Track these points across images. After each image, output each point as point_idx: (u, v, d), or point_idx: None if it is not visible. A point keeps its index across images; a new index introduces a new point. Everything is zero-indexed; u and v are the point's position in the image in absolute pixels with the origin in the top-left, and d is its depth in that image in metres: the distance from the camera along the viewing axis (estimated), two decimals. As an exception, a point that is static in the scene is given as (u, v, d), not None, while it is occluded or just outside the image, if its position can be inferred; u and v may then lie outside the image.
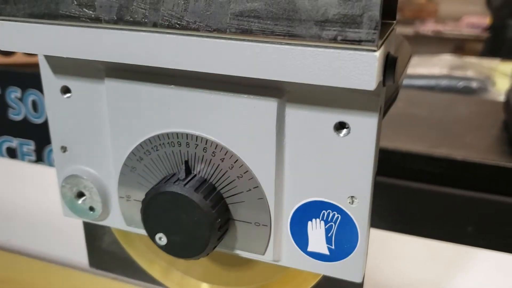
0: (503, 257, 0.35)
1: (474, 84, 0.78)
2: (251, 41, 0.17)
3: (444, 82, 0.80)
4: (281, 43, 0.17)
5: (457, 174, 0.56)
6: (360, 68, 0.16)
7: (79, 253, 0.30)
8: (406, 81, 0.76)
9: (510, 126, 0.62)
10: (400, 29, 0.32)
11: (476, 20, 1.82)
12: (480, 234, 0.54)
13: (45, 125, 0.72)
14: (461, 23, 1.85)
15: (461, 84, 0.79)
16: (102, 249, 0.27)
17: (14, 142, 0.74)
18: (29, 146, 0.74)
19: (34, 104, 0.71)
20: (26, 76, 0.70)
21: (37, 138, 0.73)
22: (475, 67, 0.85)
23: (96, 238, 0.27)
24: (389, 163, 0.54)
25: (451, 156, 0.55)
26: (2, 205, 0.40)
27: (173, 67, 0.19)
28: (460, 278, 0.33)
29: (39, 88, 0.69)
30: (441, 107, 0.71)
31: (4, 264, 0.30)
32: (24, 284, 0.30)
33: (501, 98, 0.78)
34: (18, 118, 0.73)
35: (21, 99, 0.72)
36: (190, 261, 0.26)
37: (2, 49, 0.21)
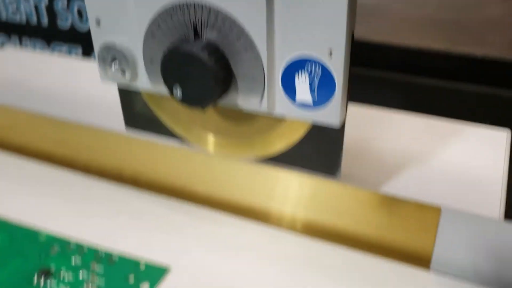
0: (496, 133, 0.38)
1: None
2: None
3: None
4: None
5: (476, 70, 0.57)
6: None
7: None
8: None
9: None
10: None
11: None
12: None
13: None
14: None
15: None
16: (135, 112, 0.33)
17: (64, 47, 0.81)
18: (78, 50, 0.80)
19: (80, 12, 0.76)
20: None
21: (84, 44, 0.79)
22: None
23: (130, 102, 0.32)
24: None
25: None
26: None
27: None
28: (453, 150, 0.36)
29: (83, -4, 0.73)
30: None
31: (57, 128, 0.36)
32: (78, 145, 0.36)
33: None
34: (66, 25, 0.78)
35: (67, 8, 0.77)
36: (205, 117, 0.31)
37: None
